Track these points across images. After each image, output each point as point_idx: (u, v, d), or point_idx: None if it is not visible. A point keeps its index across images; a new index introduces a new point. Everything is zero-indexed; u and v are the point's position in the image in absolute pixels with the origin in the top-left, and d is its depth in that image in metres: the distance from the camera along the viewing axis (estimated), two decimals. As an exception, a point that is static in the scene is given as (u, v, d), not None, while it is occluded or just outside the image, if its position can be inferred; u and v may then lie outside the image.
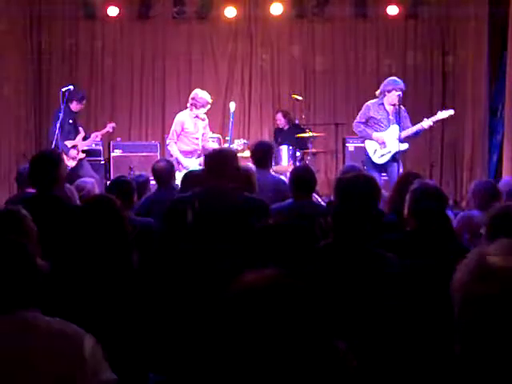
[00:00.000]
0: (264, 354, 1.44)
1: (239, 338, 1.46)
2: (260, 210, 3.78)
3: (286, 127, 9.83)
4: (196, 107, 7.65)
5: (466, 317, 1.45)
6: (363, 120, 7.46)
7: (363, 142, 7.87)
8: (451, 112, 7.48)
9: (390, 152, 7.33)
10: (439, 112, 7.55)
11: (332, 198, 5.51)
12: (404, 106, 7.52)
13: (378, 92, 7.54)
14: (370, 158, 7.46)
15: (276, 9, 10.36)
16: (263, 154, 5.73)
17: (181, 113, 7.83)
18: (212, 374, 1.50)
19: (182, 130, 7.69)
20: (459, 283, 1.50)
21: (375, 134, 7.33)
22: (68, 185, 5.34)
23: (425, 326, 3.03)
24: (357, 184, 3.21)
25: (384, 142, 7.31)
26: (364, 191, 3.34)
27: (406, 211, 3.42)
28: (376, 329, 2.82)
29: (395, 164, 7.29)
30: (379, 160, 7.38)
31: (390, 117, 7.35)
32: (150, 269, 3.33)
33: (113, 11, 10.26)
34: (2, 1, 9.40)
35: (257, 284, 1.51)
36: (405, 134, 7.28)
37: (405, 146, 7.36)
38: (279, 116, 9.92)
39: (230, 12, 10.42)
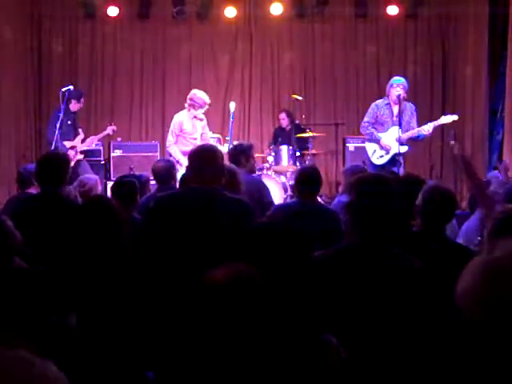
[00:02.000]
0: (230, 346, 1.47)
1: (204, 329, 1.49)
2: (243, 212, 3.72)
3: (289, 127, 9.81)
4: (194, 108, 7.63)
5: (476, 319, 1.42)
6: (372, 120, 7.42)
7: (364, 142, 7.85)
8: (455, 117, 7.44)
9: (388, 154, 7.32)
10: (442, 117, 7.53)
11: (338, 197, 5.55)
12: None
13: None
14: (369, 159, 7.46)
15: (276, 9, 10.35)
16: (239, 154, 5.75)
17: (178, 113, 7.81)
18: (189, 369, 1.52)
19: (181, 130, 7.67)
20: (465, 290, 1.46)
21: (383, 141, 7.30)
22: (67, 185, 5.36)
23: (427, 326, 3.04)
24: (378, 183, 3.17)
25: (389, 149, 7.28)
26: (385, 190, 3.31)
27: (415, 211, 3.44)
28: (399, 329, 2.83)
29: (395, 166, 7.27)
30: (378, 161, 7.37)
31: (394, 118, 7.33)
32: (146, 266, 3.33)
33: (112, 11, 10.26)
34: (2, 1, 9.39)
35: (219, 280, 1.55)
36: (404, 136, 7.26)
37: (404, 148, 7.33)
38: (283, 115, 9.88)
39: (230, 12, 10.42)
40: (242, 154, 5.72)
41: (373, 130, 7.40)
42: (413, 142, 7.47)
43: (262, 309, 1.56)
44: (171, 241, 3.58)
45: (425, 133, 7.27)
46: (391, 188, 3.03)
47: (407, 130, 7.28)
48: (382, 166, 7.32)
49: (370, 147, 7.45)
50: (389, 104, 7.40)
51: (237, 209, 3.67)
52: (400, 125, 7.22)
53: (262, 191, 5.44)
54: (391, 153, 7.27)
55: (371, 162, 7.42)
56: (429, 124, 7.31)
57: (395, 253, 2.99)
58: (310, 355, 1.94)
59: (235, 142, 8.20)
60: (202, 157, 3.77)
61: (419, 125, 7.36)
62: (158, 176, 5.66)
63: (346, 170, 5.74)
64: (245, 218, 3.60)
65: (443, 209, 3.42)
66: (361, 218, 2.96)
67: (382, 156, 7.35)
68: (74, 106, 8.78)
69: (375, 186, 2.95)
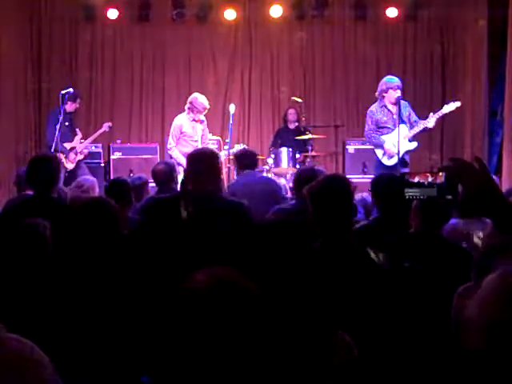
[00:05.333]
0: (215, 351, 1.44)
1: (187, 334, 1.47)
2: (240, 213, 3.76)
3: (293, 126, 9.77)
4: (193, 112, 7.64)
5: (493, 343, 1.35)
6: (373, 126, 7.40)
7: (364, 143, 7.84)
8: (458, 104, 7.39)
9: (397, 153, 7.27)
10: (445, 106, 7.47)
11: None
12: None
13: (376, 94, 7.53)
14: (379, 160, 7.41)
15: (275, 11, 10.36)
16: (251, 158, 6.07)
17: (178, 116, 7.82)
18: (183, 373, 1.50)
19: (181, 133, 7.68)
20: (481, 308, 1.39)
21: (387, 146, 7.28)
22: (62, 186, 5.37)
23: (420, 328, 3.03)
24: (330, 188, 3.16)
25: (394, 155, 7.26)
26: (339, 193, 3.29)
27: (411, 213, 3.44)
28: (360, 328, 2.82)
29: (404, 167, 7.24)
30: (388, 162, 7.34)
31: (394, 116, 7.33)
32: (147, 267, 3.33)
33: (112, 14, 10.27)
34: (2, 3, 9.40)
35: (201, 285, 1.51)
36: (411, 133, 7.27)
37: (413, 144, 7.34)
38: (292, 111, 9.77)
39: (230, 14, 10.43)
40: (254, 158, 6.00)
41: (375, 135, 7.39)
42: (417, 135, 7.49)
43: (250, 314, 1.50)
44: (167, 244, 3.59)
45: (430, 126, 7.27)
46: (345, 190, 3.03)
47: (410, 126, 7.30)
48: (393, 167, 7.27)
49: (379, 149, 7.44)
50: (384, 106, 7.39)
51: (234, 211, 3.70)
52: (403, 122, 7.23)
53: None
54: (401, 151, 7.22)
55: (381, 164, 7.37)
56: (430, 119, 7.26)
57: (358, 251, 2.99)
58: (322, 352, 1.93)
59: (241, 146, 8.26)
60: (200, 160, 3.79)
61: (419, 117, 7.38)
62: (158, 178, 5.68)
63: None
64: (242, 219, 3.64)
65: (441, 209, 3.42)
66: (320, 223, 2.98)
67: (392, 157, 7.32)
68: (69, 106, 8.78)
69: (328, 195, 2.95)
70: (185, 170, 3.98)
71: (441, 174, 1.69)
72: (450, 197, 1.70)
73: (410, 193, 1.76)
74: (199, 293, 1.50)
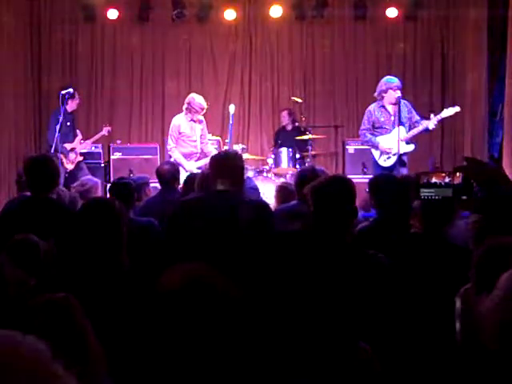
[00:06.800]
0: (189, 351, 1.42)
1: (162, 333, 1.45)
2: (264, 215, 3.81)
3: (290, 127, 9.79)
4: (191, 112, 7.64)
5: (507, 340, 1.34)
6: (368, 126, 7.38)
7: (363, 144, 7.82)
8: (457, 109, 7.39)
9: (395, 154, 7.26)
10: (444, 110, 7.47)
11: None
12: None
13: (375, 94, 7.52)
14: (376, 162, 7.40)
15: (275, 11, 10.36)
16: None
17: (176, 117, 7.82)
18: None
19: (179, 133, 7.68)
20: (495, 305, 1.37)
21: (381, 145, 7.28)
22: (61, 186, 5.37)
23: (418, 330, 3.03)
24: (333, 188, 3.17)
25: (390, 153, 7.26)
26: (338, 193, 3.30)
27: (413, 213, 3.43)
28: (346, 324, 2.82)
29: (402, 167, 7.24)
30: (385, 163, 7.33)
31: (392, 117, 7.31)
32: (145, 269, 3.32)
33: (112, 14, 10.27)
34: (2, 4, 9.40)
35: (176, 283, 1.48)
36: (410, 134, 7.26)
37: (411, 147, 7.32)
38: (284, 114, 9.86)
39: (230, 14, 10.43)
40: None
41: (370, 136, 7.37)
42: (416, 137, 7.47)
43: (223, 313, 1.45)
44: (195, 242, 3.63)
45: (431, 128, 7.26)
46: (347, 191, 3.05)
47: (410, 127, 7.28)
48: (391, 168, 7.26)
49: (376, 150, 7.42)
50: (383, 106, 7.37)
51: (259, 212, 3.73)
52: (402, 124, 7.22)
53: None
54: (401, 151, 7.21)
55: (378, 165, 7.37)
56: (431, 120, 7.24)
57: (357, 251, 2.99)
58: (344, 363, 1.91)
59: (239, 146, 8.24)
60: (223, 163, 3.85)
61: (421, 116, 7.37)
62: (163, 178, 5.69)
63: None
64: (266, 220, 3.69)
65: (443, 210, 3.40)
66: (321, 222, 2.99)
67: (389, 157, 7.31)
68: (70, 105, 8.78)
69: (331, 195, 2.98)
70: (209, 171, 4.05)
71: (458, 174, 1.68)
72: (465, 197, 1.69)
73: (425, 193, 1.75)
74: (171, 292, 1.48)
